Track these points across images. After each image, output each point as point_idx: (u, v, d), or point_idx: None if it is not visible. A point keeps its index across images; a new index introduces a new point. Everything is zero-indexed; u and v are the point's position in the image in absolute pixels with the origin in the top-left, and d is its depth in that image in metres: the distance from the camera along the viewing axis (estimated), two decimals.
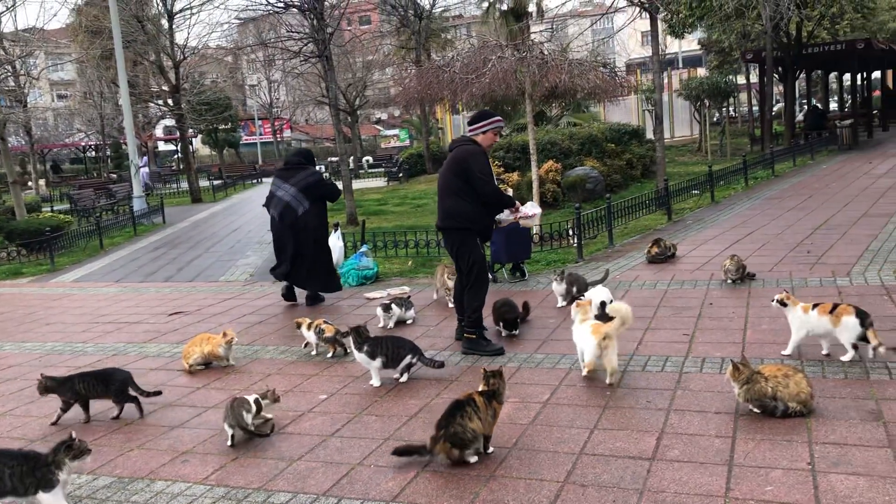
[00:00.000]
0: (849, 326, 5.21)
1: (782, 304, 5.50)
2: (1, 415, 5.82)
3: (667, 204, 13.12)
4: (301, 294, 9.00)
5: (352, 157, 33.42)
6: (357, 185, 26.61)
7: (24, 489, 3.85)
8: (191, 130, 41.79)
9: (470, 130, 6.49)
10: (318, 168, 9.28)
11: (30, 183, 36.67)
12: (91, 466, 4.63)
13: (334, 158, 43.65)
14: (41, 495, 3.85)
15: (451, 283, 8.09)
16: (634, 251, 10.26)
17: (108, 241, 16.61)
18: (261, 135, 64.74)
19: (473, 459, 4.21)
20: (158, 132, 62.31)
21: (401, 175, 30.12)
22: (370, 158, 42.43)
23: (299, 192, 8.59)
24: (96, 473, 4.54)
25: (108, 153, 51.69)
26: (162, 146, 64.96)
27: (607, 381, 5.27)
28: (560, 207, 15.65)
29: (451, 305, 8.06)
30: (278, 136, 66.94)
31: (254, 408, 4.84)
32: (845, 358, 5.30)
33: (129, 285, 11.43)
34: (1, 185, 28.94)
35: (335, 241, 10.17)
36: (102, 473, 4.54)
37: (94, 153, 59.00)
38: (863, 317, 5.19)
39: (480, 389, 4.39)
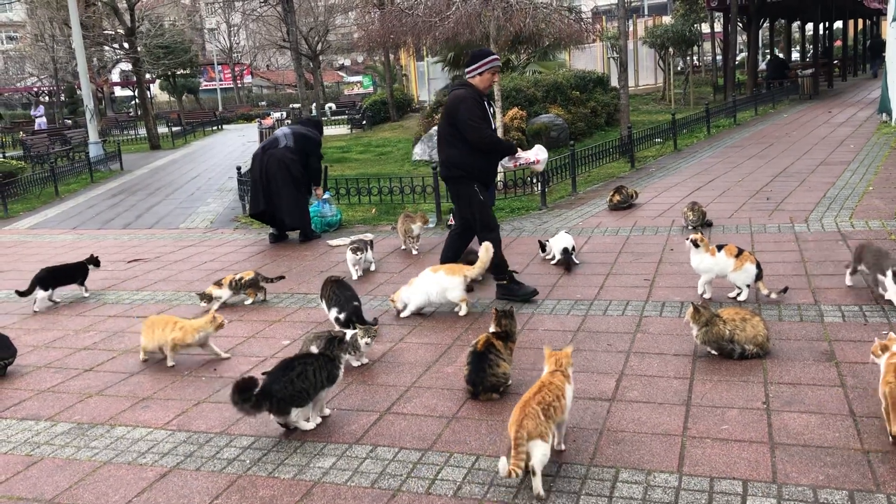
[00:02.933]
0: (749, 272, 5.60)
1: (695, 244, 5.71)
2: None
3: (630, 152, 13.15)
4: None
5: (314, 104, 32.80)
6: (332, 131, 26.24)
7: (321, 384, 4.04)
8: (148, 75, 40.72)
9: (466, 73, 6.21)
10: (316, 134, 9.48)
11: None
12: (48, 412, 4.59)
13: (296, 105, 42.95)
14: (329, 389, 4.14)
15: (416, 230, 8.07)
16: (597, 198, 10.30)
17: (64, 188, 16.21)
18: (220, 81, 63.33)
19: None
20: (115, 77, 60.60)
21: (364, 122, 29.70)
22: (333, 105, 41.69)
23: (292, 133, 9.10)
24: (54, 420, 4.48)
25: (63, 98, 50.14)
26: (118, 92, 63.20)
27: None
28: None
29: (414, 253, 8.05)
30: (238, 81, 65.48)
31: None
32: (741, 298, 5.65)
33: (87, 232, 11.20)
34: None
35: None
36: (61, 420, 4.48)
37: (47, 98, 57.26)
38: (759, 268, 5.61)
39: (493, 331, 4.43)
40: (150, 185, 16.58)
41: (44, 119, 35.99)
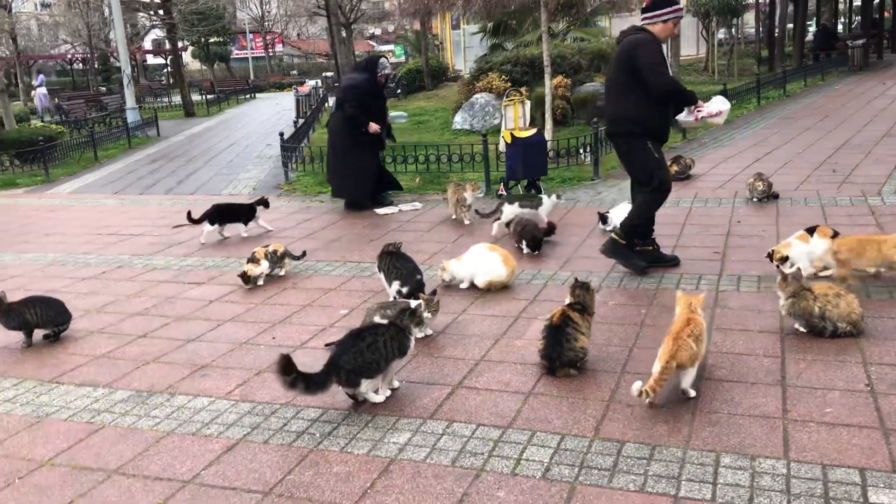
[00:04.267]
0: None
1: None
2: None
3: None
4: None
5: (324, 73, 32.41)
6: None
7: (391, 355, 3.85)
8: (181, 43, 40.58)
9: (644, 19, 5.56)
10: (359, 77, 8.92)
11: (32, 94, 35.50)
12: (106, 379, 4.45)
13: (329, 74, 42.65)
14: (399, 361, 3.95)
15: (469, 199, 7.81)
16: None
17: (103, 153, 16.15)
18: (252, 49, 63.12)
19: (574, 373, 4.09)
20: (147, 45, 60.67)
21: (399, 91, 29.35)
22: (353, 75, 41.18)
23: (337, 94, 8.88)
24: (112, 387, 4.33)
25: (97, 66, 50.29)
26: (151, 60, 63.31)
27: None
28: (569, 125, 15.22)
29: (466, 223, 7.80)
30: (269, 50, 65.29)
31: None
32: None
33: (129, 197, 11.09)
34: None
35: None
36: (119, 387, 4.33)
37: (81, 65, 57.50)
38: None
39: (568, 302, 4.19)
40: (188, 152, 16.47)
41: (44, 91, 30.54)
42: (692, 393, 3.68)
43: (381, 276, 5.47)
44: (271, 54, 66.01)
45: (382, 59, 8.94)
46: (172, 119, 25.23)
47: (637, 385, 3.53)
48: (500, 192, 8.91)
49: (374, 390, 3.89)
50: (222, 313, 5.52)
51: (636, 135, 5.55)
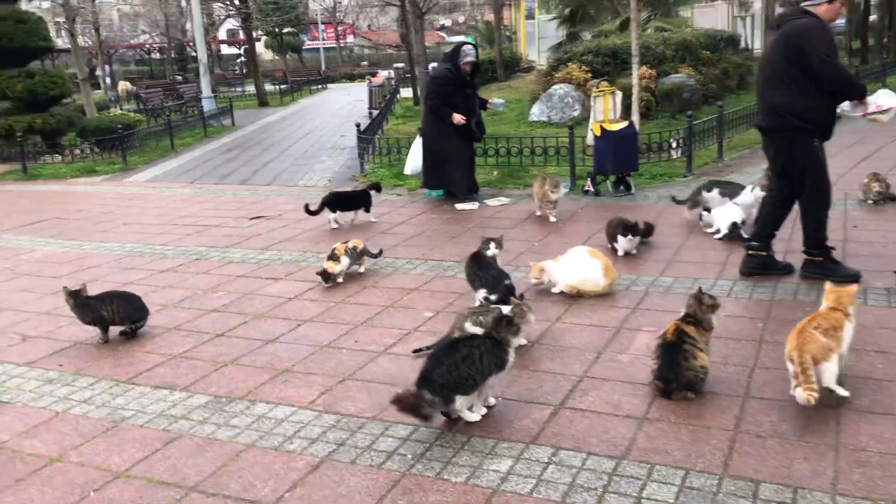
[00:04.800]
0: None
1: None
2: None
3: None
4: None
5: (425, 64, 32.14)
6: None
7: (488, 370, 3.49)
8: (256, 32, 40.98)
9: (805, 2, 5.00)
10: (441, 67, 8.67)
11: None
12: (183, 381, 4.22)
13: (400, 65, 42.52)
14: (497, 376, 3.56)
15: (552, 196, 7.40)
16: (748, 166, 9.35)
17: (179, 141, 16.23)
18: (323, 40, 63.59)
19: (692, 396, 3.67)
20: (222, 35, 61.68)
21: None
22: (435, 65, 41.00)
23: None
24: (190, 390, 4.10)
25: (173, 55, 51.38)
26: (224, 49, 64.37)
27: None
28: (653, 117, 14.60)
29: (552, 220, 7.41)
30: (340, 41, 65.69)
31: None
32: None
33: (205, 187, 11.02)
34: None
35: (418, 147, 9.50)
36: (196, 391, 4.10)
37: (158, 55, 58.86)
38: None
39: (682, 316, 3.78)
40: (263, 141, 16.44)
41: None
42: (843, 391, 3.49)
43: (467, 280, 5.12)
44: (342, 45, 66.44)
45: (465, 47, 8.46)
46: (246, 108, 25.39)
47: (800, 395, 3.31)
48: (586, 189, 8.47)
49: (468, 408, 3.55)
50: (301, 312, 5.26)
51: (804, 131, 5.01)
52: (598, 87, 8.48)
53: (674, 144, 9.85)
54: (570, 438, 3.35)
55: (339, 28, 64.64)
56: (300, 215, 8.45)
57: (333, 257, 5.84)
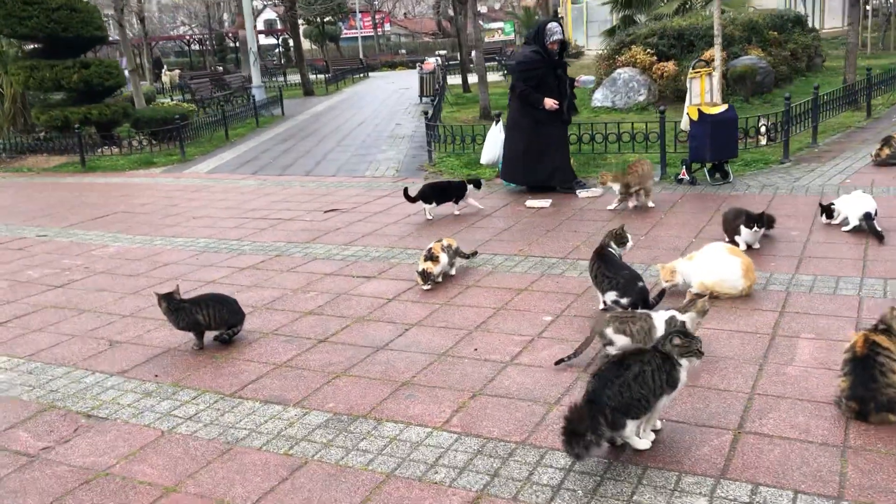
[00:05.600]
0: None
1: None
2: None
3: (866, 99, 11.33)
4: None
5: (470, 51, 31.51)
6: (472, 79, 25.21)
7: (660, 389, 3.03)
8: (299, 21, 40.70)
9: None
10: (526, 50, 8.02)
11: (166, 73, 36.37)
12: (294, 395, 3.82)
13: (442, 52, 42.00)
14: (669, 396, 3.08)
15: (649, 184, 6.91)
16: (847, 151, 8.75)
17: (232, 132, 15.96)
18: (359, 28, 63.33)
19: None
20: (259, 26, 61.65)
21: None
22: (443, 51, 40.41)
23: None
24: (304, 406, 3.70)
25: (213, 46, 51.54)
26: (262, 40, 64.45)
27: None
28: (724, 101, 13.94)
29: (650, 205, 6.92)
30: (378, 29, 65.41)
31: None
32: None
33: (269, 178, 10.66)
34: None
35: (496, 135, 9.04)
36: (312, 406, 3.69)
37: (197, 46, 59.06)
38: None
39: (876, 325, 3.27)
40: (318, 131, 16.09)
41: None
42: None
43: (591, 280, 4.65)
44: (380, 34, 66.17)
45: (551, 25, 7.86)
46: (292, 98, 25.10)
47: None
48: (680, 177, 7.94)
49: (636, 433, 3.09)
50: (405, 315, 4.84)
51: None
52: (693, 68, 7.91)
53: (762, 130, 9.24)
54: (767, 472, 2.87)
55: (377, 17, 64.32)
56: (375, 207, 8.07)
57: (432, 257, 5.39)
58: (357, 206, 8.19)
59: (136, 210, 8.95)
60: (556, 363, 3.87)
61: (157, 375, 4.20)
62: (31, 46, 15.62)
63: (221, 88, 23.98)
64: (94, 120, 14.34)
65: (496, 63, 33.26)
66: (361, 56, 54.01)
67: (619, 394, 2.96)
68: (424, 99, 20.83)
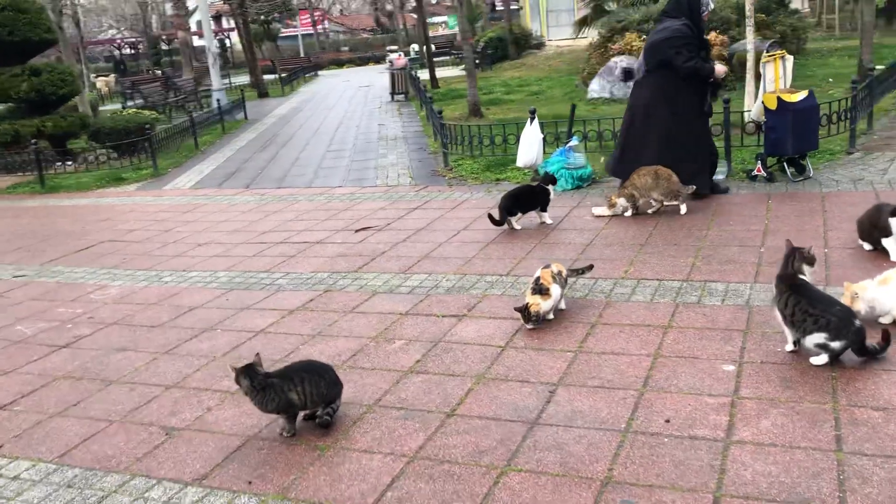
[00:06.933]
0: None
1: None
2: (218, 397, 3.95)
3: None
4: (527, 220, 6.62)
5: (414, 46, 30.45)
6: (439, 73, 24.25)
7: None
8: (228, 22, 39.02)
9: None
10: (677, 23, 6.56)
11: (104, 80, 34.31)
12: (445, 497, 2.80)
13: (393, 47, 40.91)
14: None
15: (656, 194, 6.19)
16: None
17: (199, 140, 14.63)
18: (298, 27, 61.93)
19: None
20: (192, 27, 59.43)
21: (478, 62, 27.51)
22: (416, 46, 39.33)
23: (644, 52, 6.74)
24: None
25: (144, 49, 49.71)
26: (196, 42, 62.26)
27: None
28: (731, 88, 13.27)
29: (683, 211, 6.16)
30: (317, 26, 64.17)
31: None
32: None
33: (266, 192, 9.48)
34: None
35: (533, 133, 8.08)
36: None
37: (130, 50, 56.73)
38: None
39: None
40: (295, 136, 14.88)
41: None
42: None
43: (777, 315, 3.72)
44: (321, 31, 64.87)
45: None
46: (248, 100, 23.69)
47: None
48: (755, 173, 7.11)
49: None
50: (538, 369, 3.85)
51: None
52: (767, 52, 7.10)
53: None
54: None
55: (315, 14, 62.91)
56: (411, 223, 7.07)
57: (541, 290, 4.39)
58: (390, 223, 7.13)
59: (124, 238, 7.71)
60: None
61: (250, 482, 3.13)
62: None
63: (175, 92, 22.44)
64: (48, 133, 12.88)
65: (450, 57, 32.36)
66: (303, 55, 52.58)
67: None
68: (397, 97, 19.77)
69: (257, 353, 3.46)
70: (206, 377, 4.17)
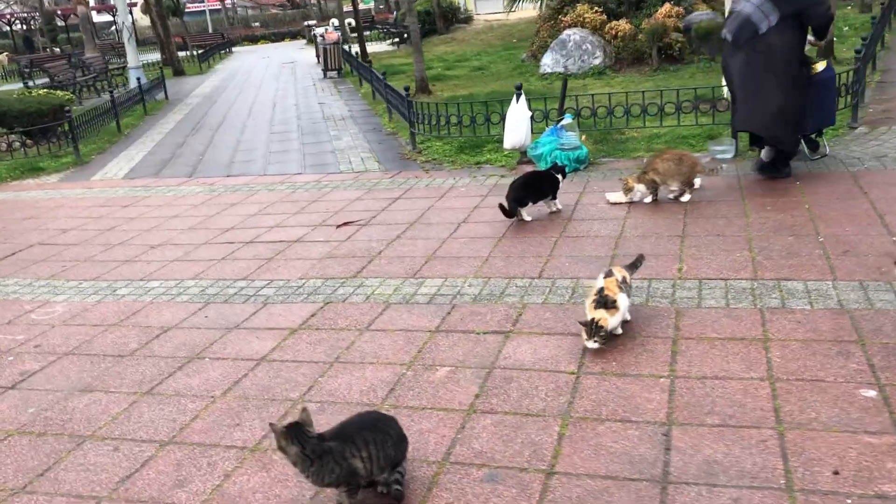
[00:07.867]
0: None
1: None
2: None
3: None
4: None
5: (334, 20, 29.14)
6: (370, 48, 23.23)
7: None
8: None
9: None
10: None
11: None
12: None
13: (311, 22, 39.33)
14: None
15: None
16: None
17: (122, 122, 13.27)
18: (204, 2, 59.63)
19: None
20: (91, 2, 56.10)
21: (406, 37, 26.57)
22: (335, 21, 37.99)
23: (772, 1, 5.77)
24: None
25: (38, 26, 46.73)
26: (96, 17, 58.92)
27: None
28: (688, 62, 12.90)
29: (684, 200, 5.60)
30: (225, 1, 62.13)
31: None
32: None
33: (216, 182, 8.40)
34: None
35: (520, 112, 7.34)
36: None
37: (21, 26, 53.25)
38: None
39: None
40: (228, 118, 13.69)
41: None
42: None
43: None
44: (228, 5, 62.66)
45: None
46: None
47: None
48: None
49: None
50: (631, 403, 3.15)
51: None
52: None
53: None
54: None
55: None
56: (399, 216, 6.27)
57: (606, 303, 3.67)
58: (375, 216, 6.28)
59: (58, 240, 6.59)
60: None
61: None
62: None
63: (84, 71, 20.65)
64: None
65: (379, 31, 31.31)
66: (212, 31, 50.40)
67: None
68: (330, 73, 18.68)
69: (304, 408, 2.61)
70: (210, 427, 3.29)
